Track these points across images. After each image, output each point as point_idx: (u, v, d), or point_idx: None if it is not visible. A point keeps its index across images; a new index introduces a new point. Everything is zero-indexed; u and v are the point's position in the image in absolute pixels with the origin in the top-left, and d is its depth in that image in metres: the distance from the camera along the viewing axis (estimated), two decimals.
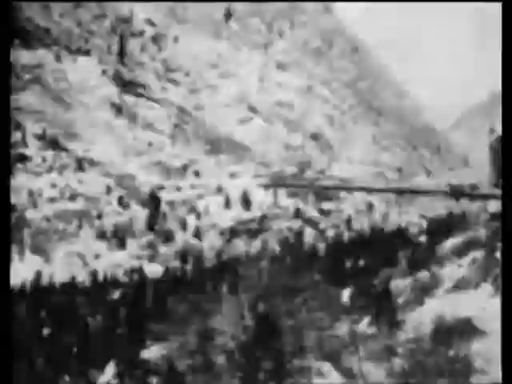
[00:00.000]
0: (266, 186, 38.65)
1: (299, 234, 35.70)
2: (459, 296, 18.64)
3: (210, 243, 33.51)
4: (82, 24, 70.52)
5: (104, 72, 59.24)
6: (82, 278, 34.45)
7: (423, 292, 21.11)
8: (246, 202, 37.05)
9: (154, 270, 33.71)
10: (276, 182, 41.74)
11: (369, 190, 44.30)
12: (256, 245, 34.12)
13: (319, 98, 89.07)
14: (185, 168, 42.57)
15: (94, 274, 35.12)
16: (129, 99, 58.10)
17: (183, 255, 34.46)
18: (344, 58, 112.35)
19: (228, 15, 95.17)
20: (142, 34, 78.20)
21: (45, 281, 40.42)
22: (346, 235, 38.32)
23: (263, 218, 35.58)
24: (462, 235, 32.93)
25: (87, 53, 64.49)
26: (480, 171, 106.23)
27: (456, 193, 55.19)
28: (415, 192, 52.81)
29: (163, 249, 33.13)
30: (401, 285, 22.87)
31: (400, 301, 20.39)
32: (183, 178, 40.59)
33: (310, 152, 70.47)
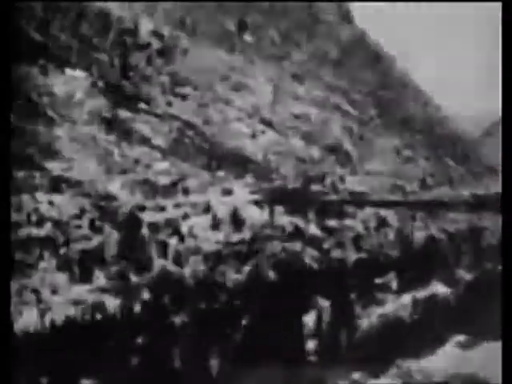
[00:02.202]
0: (261, 203, 34.56)
1: (297, 256, 31.50)
2: None
3: (193, 270, 29.35)
4: (83, 38, 67.40)
5: (94, 84, 55.58)
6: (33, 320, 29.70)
7: None
8: (237, 222, 32.91)
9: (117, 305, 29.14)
10: (273, 198, 37.82)
11: (381, 204, 40.19)
12: (246, 270, 29.98)
13: (337, 110, 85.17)
14: (174, 185, 38.77)
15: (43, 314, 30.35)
16: (125, 114, 54.42)
17: (156, 286, 30.07)
18: (365, 69, 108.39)
19: (242, 27, 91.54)
20: (148, 46, 74.82)
21: None
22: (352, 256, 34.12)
23: (255, 238, 31.39)
24: None
25: (88, 69, 61.17)
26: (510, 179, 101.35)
27: (477, 204, 51.02)
28: (431, 204, 48.49)
29: (135, 279, 28.80)
30: None
31: None
32: (170, 196, 36.83)
33: (327, 165, 66.83)
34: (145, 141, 51.12)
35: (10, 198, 26.27)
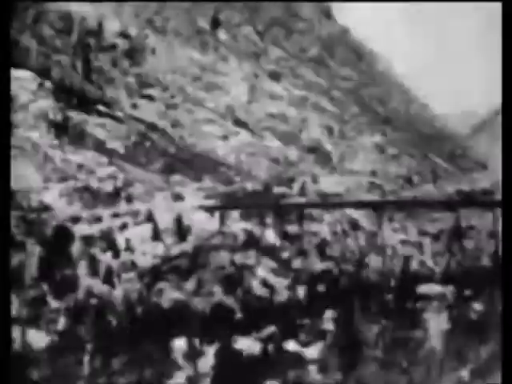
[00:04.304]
0: (213, 209, 30.55)
1: (248, 269, 27.33)
2: None
3: (125, 290, 25.33)
4: (43, 40, 63.62)
5: (41, 85, 51.73)
6: None
7: None
8: (181, 231, 28.73)
9: (37, 338, 24.40)
10: (229, 203, 34.01)
11: (353, 205, 36.36)
12: (188, 287, 25.93)
13: (317, 108, 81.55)
14: (117, 192, 34.87)
15: None
16: (78, 117, 50.63)
17: (79, 312, 25.50)
18: (347, 66, 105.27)
19: (215, 24, 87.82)
20: (113, 47, 71.06)
21: None
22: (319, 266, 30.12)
23: (199, 250, 27.28)
24: None
25: (46, 75, 57.46)
26: (497, 174, 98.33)
27: (461, 201, 47.50)
28: (412, 203, 44.84)
29: (55, 304, 24.56)
30: None
31: None
32: (111, 205, 32.96)
33: (305, 166, 63.30)
34: (98, 145, 47.35)
35: None
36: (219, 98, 71.85)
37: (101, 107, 57.55)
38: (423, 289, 21.83)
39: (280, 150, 65.88)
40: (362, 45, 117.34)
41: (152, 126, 59.29)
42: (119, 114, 59.00)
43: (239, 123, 67.51)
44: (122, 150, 49.11)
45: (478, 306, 22.88)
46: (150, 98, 66.26)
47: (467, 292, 24.81)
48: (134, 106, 62.65)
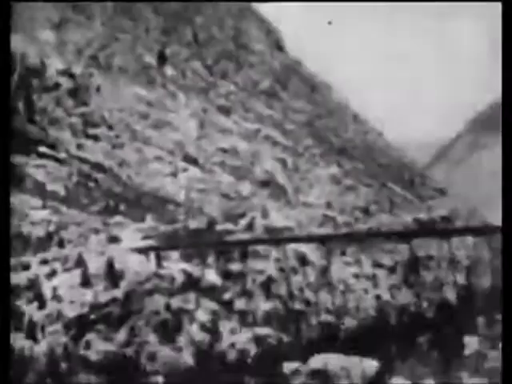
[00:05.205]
0: (150, 250, 28.47)
1: (186, 313, 25.24)
2: None
3: (50, 344, 23.17)
4: None
5: None
6: None
7: None
8: (112, 276, 26.61)
9: None
10: (168, 243, 31.97)
11: (299, 240, 34.42)
12: (119, 338, 23.78)
13: (269, 142, 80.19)
14: (50, 237, 32.77)
15: None
16: (18, 159, 48.51)
17: None
18: (300, 98, 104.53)
19: (162, 59, 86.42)
20: (57, 86, 69.12)
21: None
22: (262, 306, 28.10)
23: (131, 295, 25.14)
24: None
25: None
26: (457, 200, 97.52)
27: (417, 230, 45.89)
28: (357, 236, 43.08)
29: None
30: None
31: None
32: (41, 250, 30.91)
33: (258, 200, 61.58)
34: (37, 187, 45.23)
35: None
36: (168, 135, 70.29)
37: (43, 148, 55.47)
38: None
39: (232, 185, 64.14)
40: (316, 76, 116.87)
41: (98, 166, 57.33)
42: (63, 155, 56.97)
43: (189, 159, 65.87)
44: (62, 192, 47.04)
45: None
46: (96, 137, 64.35)
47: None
48: (79, 147, 60.67)
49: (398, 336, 19.91)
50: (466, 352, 13.43)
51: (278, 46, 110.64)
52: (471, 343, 13.34)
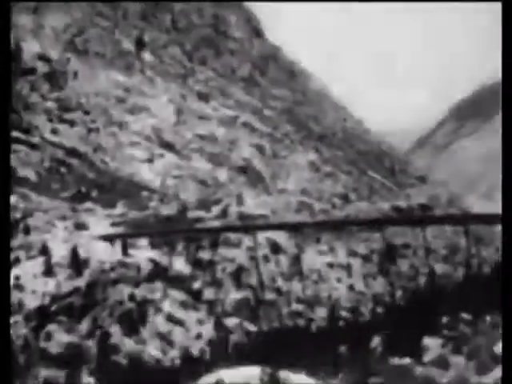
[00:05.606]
0: (112, 238, 27.61)
1: (152, 304, 24.33)
2: None
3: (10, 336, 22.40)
4: None
5: None
6: None
7: None
8: (76, 264, 25.71)
9: None
10: (137, 230, 31.20)
11: (273, 227, 33.79)
12: (81, 329, 22.95)
13: (248, 128, 79.23)
14: (16, 223, 31.87)
15: None
16: None
17: None
18: (279, 85, 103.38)
19: (140, 45, 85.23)
20: (33, 71, 67.98)
21: None
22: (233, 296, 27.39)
23: (94, 284, 24.25)
24: None
25: None
26: (437, 187, 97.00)
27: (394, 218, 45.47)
28: (342, 223, 42.55)
29: None
30: None
31: None
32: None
33: (235, 187, 60.81)
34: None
35: None
36: (145, 121, 69.25)
37: (17, 133, 54.43)
38: None
39: (208, 171, 63.30)
40: (295, 63, 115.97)
41: (72, 151, 56.44)
42: (36, 140, 56.00)
43: (165, 145, 64.96)
44: (33, 178, 46.14)
45: None
46: (72, 122, 63.37)
47: None
48: (54, 131, 59.71)
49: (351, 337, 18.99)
50: (426, 358, 12.02)
51: (258, 33, 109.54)
52: (432, 346, 11.97)
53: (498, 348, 9.80)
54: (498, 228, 39.10)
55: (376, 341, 14.21)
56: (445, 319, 12.66)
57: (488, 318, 11.61)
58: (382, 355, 13.48)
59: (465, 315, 12.40)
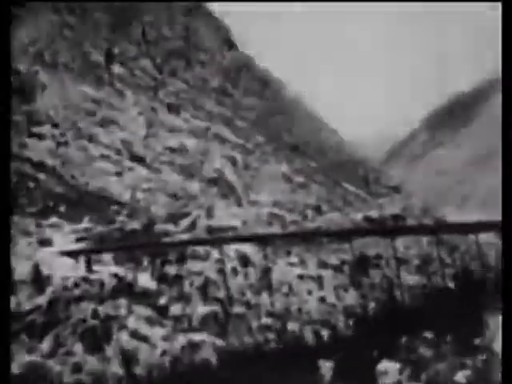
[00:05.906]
0: (75, 254, 27.01)
1: (116, 320, 23.83)
2: None
3: None
4: None
5: None
6: None
7: None
8: (38, 281, 25.12)
9: None
10: (101, 245, 30.65)
11: (242, 240, 33.32)
12: (43, 348, 22.37)
13: (219, 139, 78.90)
14: None
15: None
16: None
17: None
18: (251, 95, 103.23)
19: (109, 57, 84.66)
20: None
21: None
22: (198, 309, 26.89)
23: (57, 302, 23.72)
24: None
25: None
26: (410, 198, 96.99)
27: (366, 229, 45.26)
28: (314, 234, 42.27)
29: None
30: None
31: None
32: None
33: (207, 199, 60.32)
34: None
35: None
36: (115, 134, 68.65)
37: None
38: None
39: (179, 183, 62.83)
40: (268, 73, 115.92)
41: (40, 165, 55.72)
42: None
43: (135, 158, 64.37)
44: None
45: None
46: (40, 136, 62.67)
47: None
48: (22, 146, 58.94)
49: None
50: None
51: (229, 44, 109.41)
52: (389, 371, 11.00)
53: (459, 377, 9.46)
54: (472, 237, 38.88)
55: (327, 366, 13.72)
56: (404, 340, 12.17)
57: (449, 339, 11.25)
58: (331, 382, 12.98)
59: (427, 334, 11.99)
